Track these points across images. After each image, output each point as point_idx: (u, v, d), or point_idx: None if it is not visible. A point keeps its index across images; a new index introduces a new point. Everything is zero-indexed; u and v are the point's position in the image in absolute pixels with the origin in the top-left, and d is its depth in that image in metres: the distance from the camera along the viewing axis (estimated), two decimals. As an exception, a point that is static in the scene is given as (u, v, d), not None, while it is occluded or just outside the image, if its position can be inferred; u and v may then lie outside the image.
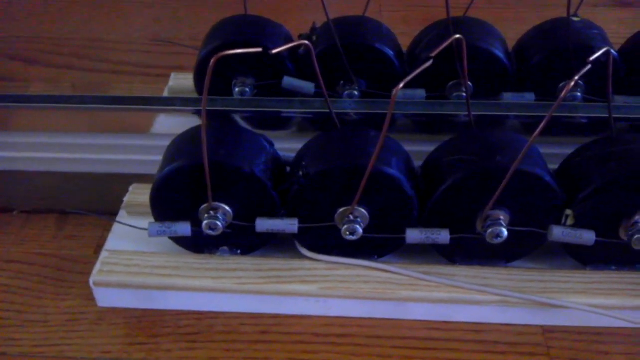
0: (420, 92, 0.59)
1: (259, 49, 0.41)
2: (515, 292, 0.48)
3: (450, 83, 0.59)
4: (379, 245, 0.49)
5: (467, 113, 0.50)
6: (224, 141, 0.47)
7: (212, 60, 0.39)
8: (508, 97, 0.58)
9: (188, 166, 0.46)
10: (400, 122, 0.61)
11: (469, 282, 0.48)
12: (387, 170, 0.45)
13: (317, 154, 0.47)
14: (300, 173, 0.46)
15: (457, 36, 0.43)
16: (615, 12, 0.89)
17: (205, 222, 0.47)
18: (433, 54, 0.41)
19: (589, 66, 0.41)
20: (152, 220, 0.49)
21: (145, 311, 0.50)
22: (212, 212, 0.47)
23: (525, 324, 0.49)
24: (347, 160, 0.45)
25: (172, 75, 0.70)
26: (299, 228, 0.47)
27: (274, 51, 0.41)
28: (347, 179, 0.45)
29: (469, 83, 0.59)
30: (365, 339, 0.49)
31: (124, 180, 0.57)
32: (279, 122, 0.61)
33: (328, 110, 0.49)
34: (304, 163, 0.47)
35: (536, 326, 0.49)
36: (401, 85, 0.39)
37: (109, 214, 0.55)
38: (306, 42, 0.44)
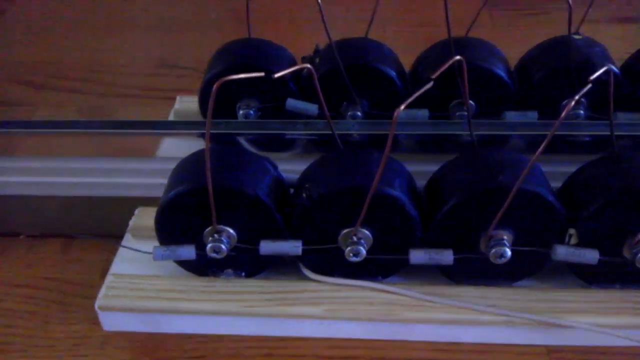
0: (423, 112, 0.59)
1: (262, 74, 0.41)
2: (520, 312, 0.47)
3: (453, 102, 0.59)
4: (383, 266, 0.49)
5: (468, 133, 0.51)
6: (228, 164, 0.47)
7: (215, 85, 0.39)
8: (511, 115, 0.58)
9: (192, 190, 0.46)
10: (403, 142, 0.61)
11: (474, 303, 0.48)
12: (390, 192, 0.45)
13: (320, 175, 0.47)
14: (304, 195, 0.46)
15: (457, 57, 0.43)
16: (617, 27, 0.89)
17: (209, 245, 0.47)
18: (433, 76, 0.41)
19: (590, 85, 0.41)
20: (157, 243, 0.49)
21: (150, 334, 0.50)
22: (216, 235, 0.47)
23: (530, 344, 0.49)
24: (350, 182, 0.45)
25: (178, 98, 0.71)
26: (303, 250, 0.48)
27: (276, 75, 0.41)
28: (350, 201, 0.45)
29: (472, 102, 0.59)
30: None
31: (130, 204, 0.57)
32: (282, 144, 0.61)
33: (329, 132, 0.49)
34: (306, 185, 0.47)
35: (541, 346, 0.49)
36: (402, 107, 0.39)
37: (115, 237, 0.55)
38: (308, 65, 0.45)
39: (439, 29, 0.63)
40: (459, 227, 0.47)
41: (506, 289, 0.49)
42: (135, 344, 0.50)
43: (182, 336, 0.50)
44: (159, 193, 0.51)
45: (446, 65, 0.42)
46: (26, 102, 0.80)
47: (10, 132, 0.59)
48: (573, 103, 0.40)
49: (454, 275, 0.50)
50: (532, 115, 0.59)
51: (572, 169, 0.50)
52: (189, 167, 0.48)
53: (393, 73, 0.59)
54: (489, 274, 0.49)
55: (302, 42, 0.67)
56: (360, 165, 0.47)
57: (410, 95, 0.58)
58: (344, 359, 0.49)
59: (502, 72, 0.58)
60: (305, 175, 0.49)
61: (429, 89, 0.40)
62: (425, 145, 0.61)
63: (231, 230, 0.48)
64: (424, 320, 0.48)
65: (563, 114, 0.40)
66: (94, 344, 0.50)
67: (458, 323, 0.48)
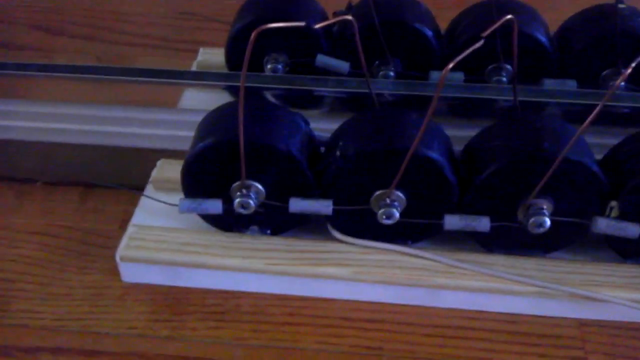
0: (459, 75, 0.57)
1: (302, 23, 0.40)
2: (553, 284, 0.46)
3: (490, 66, 0.58)
4: (414, 230, 0.48)
5: (509, 98, 0.49)
6: (260, 118, 0.45)
7: (254, 33, 0.37)
8: (549, 83, 0.57)
9: (223, 142, 0.44)
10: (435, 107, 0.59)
11: (506, 272, 0.47)
12: (429, 154, 0.43)
13: (356, 134, 0.45)
14: (338, 153, 0.45)
15: (509, 16, 0.41)
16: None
17: (237, 200, 0.46)
18: (484, 34, 0.39)
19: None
20: (179, 196, 0.48)
21: (171, 288, 0.49)
22: (244, 190, 0.46)
23: (561, 317, 0.48)
24: (388, 142, 0.44)
25: (201, 50, 0.69)
26: (334, 210, 0.46)
27: (317, 26, 0.40)
28: (387, 161, 0.44)
29: (508, 67, 0.57)
30: (395, 325, 0.47)
31: (150, 155, 0.56)
32: (310, 101, 0.59)
33: (364, 90, 0.47)
34: (341, 143, 0.45)
35: (572, 319, 0.48)
36: (451, 65, 0.37)
37: (134, 188, 0.54)
38: (349, 17, 0.43)
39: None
40: (497, 194, 0.45)
41: (539, 260, 0.48)
42: (155, 296, 0.49)
43: (204, 291, 0.49)
44: (181, 145, 0.50)
45: (498, 24, 0.40)
46: (44, 47, 0.78)
47: (28, 75, 0.57)
48: (629, 70, 0.38)
49: (487, 243, 0.48)
50: (572, 84, 0.57)
51: (609, 140, 0.49)
52: (219, 119, 0.46)
53: (430, 33, 0.57)
54: (523, 244, 0.48)
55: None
56: (398, 125, 0.45)
57: (445, 56, 0.57)
58: (368, 321, 0.47)
59: (543, 38, 0.56)
60: (340, 133, 0.47)
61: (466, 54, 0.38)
62: (458, 109, 0.59)
63: (260, 186, 0.46)
64: (453, 287, 0.47)
65: (619, 81, 0.39)
66: (113, 294, 0.49)
67: (488, 291, 0.47)
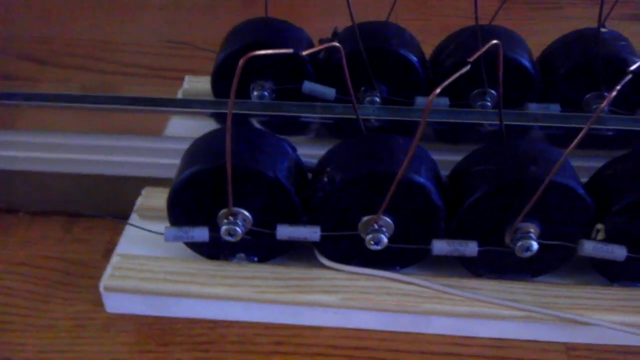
0: (444, 100, 0.57)
1: (290, 50, 0.40)
2: (540, 308, 0.46)
3: (475, 91, 0.58)
4: (403, 256, 0.48)
5: (493, 122, 0.49)
6: (247, 145, 0.45)
7: (242, 61, 0.37)
8: (534, 107, 0.57)
9: (209, 170, 0.44)
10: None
11: (494, 296, 0.47)
12: (417, 179, 0.43)
13: (344, 159, 0.45)
14: (325, 179, 0.44)
15: (495, 42, 0.41)
16: (635, 25, 0.88)
17: (224, 227, 0.45)
18: (471, 59, 0.39)
19: (630, 75, 0.39)
20: (163, 224, 0.47)
21: (156, 318, 0.49)
22: (231, 218, 0.45)
23: (549, 341, 0.47)
24: (376, 167, 0.44)
25: (187, 78, 0.69)
26: (321, 236, 0.46)
27: (305, 53, 0.40)
28: (374, 186, 0.44)
29: (493, 92, 0.57)
30: (384, 352, 0.47)
31: (135, 184, 0.55)
32: (296, 128, 0.59)
33: (351, 116, 0.48)
34: (328, 169, 0.45)
35: (560, 343, 0.47)
36: (438, 90, 0.37)
37: (119, 217, 0.53)
38: (336, 43, 0.43)
39: (451, 19, 0.62)
40: (484, 218, 0.45)
41: (526, 284, 0.48)
42: (141, 327, 0.48)
43: (190, 321, 0.48)
44: (166, 173, 0.50)
45: (484, 49, 0.40)
46: (29, 77, 0.78)
47: (13, 104, 0.57)
48: (614, 93, 0.38)
49: (475, 267, 0.48)
50: (555, 108, 0.57)
51: (593, 163, 0.49)
52: (205, 146, 0.46)
53: (415, 59, 0.57)
54: (511, 268, 0.48)
55: (317, 26, 0.65)
56: (385, 150, 0.45)
57: (430, 82, 0.57)
58: (357, 349, 0.47)
59: (527, 63, 0.56)
60: (327, 159, 0.47)
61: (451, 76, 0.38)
62: (443, 134, 0.59)
63: (247, 213, 0.46)
64: (442, 313, 0.47)
65: (604, 104, 0.39)
66: (97, 325, 0.48)
67: (476, 317, 0.47)
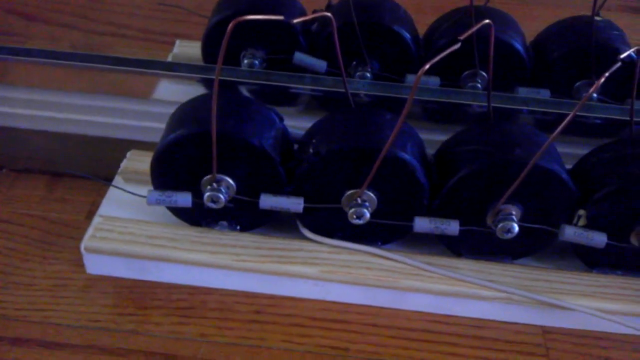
0: (435, 80, 0.57)
1: (280, 17, 0.39)
2: (519, 290, 0.46)
3: (466, 72, 0.58)
4: (384, 231, 0.48)
5: (483, 104, 0.49)
6: (233, 112, 0.45)
7: (231, 24, 0.37)
8: (524, 91, 0.57)
9: (194, 134, 0.44)
10: (410, 108, 0.59)
11: (474, 276, 0.47)
12: (402, 155, 0.43)
13: (330, 132, 0.45)
14: (311, 150, 0.44)
15: (487, 21, 0.41)
16: (629, 17, 0.88)
17: (207, 194, 0.45)
18: (462, 37, 0.39)
19: (619, 64, 0.39)
20: (148, 188, 0.47)
21: (136, 281, 0.49)
22: (215, 185, 0.45)
23: (526, 323, 0.48)
24: (362, 141, 0.43)
25: (177, 42, 0.68)
26: (304, 208, 0.46)
27: (295, 21, 0.39)
28: (360, 161, 0.44)
29: (484, 74, 0.57)
30: (362, 326, 0.47)
31: (120, 146, 0.55)
32: (285, 99, 0.59)
33: (340, 90, 0.47)
34: (314, 140, 0.45)
35: (537, 326, 0.48)
36: (427, 66, 0.37)
37: (103, 179, 0.53)
38: (327, 13, 0.43)
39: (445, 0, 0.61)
40: (467, 198, 0.45)
41: (507, 266, 0.48)
42: (120, 290, 0.48)
43: (170, 286, 0.48)
44: (153, 137, 0.49)
45: (475, 28, 0.40)
46: (17, 32, 0.76)
47: (0, 59, 0.56)
48: (602, 80, 0.38)
49: (456, 247, 0.49)
50: (545, 94, 0.57)
51: (579, 150, 0.49)
52: (191, 111, 0.46)
53: (408, 36, 0.57)
54: (491, 249, 0.48)
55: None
56: (372, 125, 0.45)
57: (423, 60, 0.57)
58: (335, 321, 0.47)
59: (520, 46, 0.56)
60: (313, 131, 0.47)
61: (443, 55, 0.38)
62: (432, 113, 0.59)
63: (231, 181, 0.46)
64: (421, 290, 0.47)
65: (591, 90, 0.39)
66: (76, 286, 0.48)
67: (455, 296, 0.47)
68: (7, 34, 0.76)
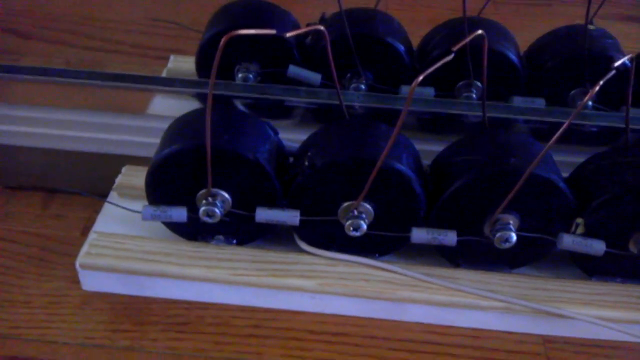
0: (429, 91, 0.57)
1: (273, 31, 0.39)
2: (518, 299, 0.46)
3: (461, 83, 0.58)
4: (382, 243, 0.48)
5: (478, 114, 0.49)
6: (228, 126, 0.45)
7: (224, 39, 0.37)
8: (519, 101, 0.57)
9: (188, 148, 0.44)
10: (405, 119, 0.59)
11: (472, 287, 0.47)
12: (398, 167, 0.43)
13: (325, 144, 0.45)
14: (306, 163, 0.44)
15: (480, 32, 0.41)
16: (623, 25, 0.88)
17: (202, 208, 0.45)
18: (455, 48, 0.39)
19: (613, 72, 0.39)
20: (144, 204, 0.47)
21: (132, 298, 0.48)
22: (210, 199, 0.45)
23: (526, 333, 0.48)
24: (357, 153, 0.43)
25: (172, 57, 0.68)
26: (301, 220, 0.45)
27: (289, 34, 0.39)
28: (355, 172, 0.43)
29: (479, 84, 0.57)
30: (361, 338, 0.47)
31: (116, 161, 0.55)
32: (280, 112, 0.59)
33: (335, 102, 0.47)
34: (309, 153, 0.45)
35: (537, 335, 0.48)
36: (420, 77, 0.37)
37: (98, 195, 0.53)
38: (321, 27, 0.43)
39: (440, 11, 0.61)
40: (464, 208, 0.45)
41: (505, 276, 0.48)
42: (116, 306, 0.48)
43: (166, 301, 0.48)
44: (147, 152, 0.49)
45: (469, 39, 0.40)
46: (11, 50, 0.77)
47: (-6, 76, 0.56)
48: (597, 88, 0.38)
49: (454, 257, 0.48)
50: (540, 103, 0.57)
51: (575, 159, 0.49)
52: (186, 125, 0.46)
53: (402, 47, 0.57)
54: (490, 259, 0.48)
55: (304, 11, 0.65)
56: (367, 137, 0.45)
57: (417, 71, 0.57)
58: (334, 334, 0.47)
59: (513, 56, 0.56)
60: (308, 143, 0.47)
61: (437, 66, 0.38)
62: (427, 124, 0.59)
63: (226, 195, 0.45)
64: (420, 301, 0.47)
65: (586, 98, 0.39)
66: (72, 303, 0.48)
67: (454, 306, 0.47)
68: (2, 52, 0.76)
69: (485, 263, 0.48)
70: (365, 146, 0.44)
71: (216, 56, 0.37)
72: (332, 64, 0.44)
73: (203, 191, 0.45)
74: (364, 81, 0.58)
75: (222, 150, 0.43)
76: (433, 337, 0.47)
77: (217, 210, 0.45)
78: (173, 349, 0.45)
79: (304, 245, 0.48)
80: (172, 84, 0.56)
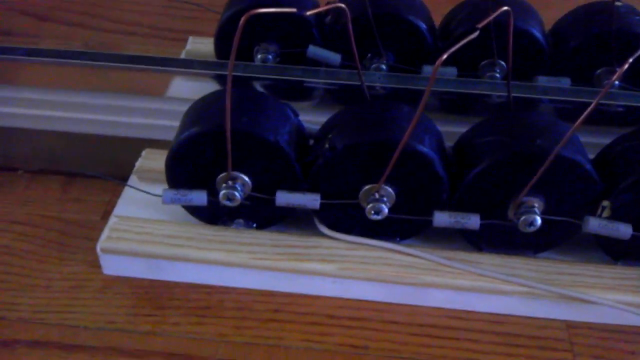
0: (452, 70, 0.56)
1: (293, 9, 0.38)
2: (541, 284, 0.45)
3: (484, 62, 0.57)
4: (403, 227, 0.47)
5: (502, 93, 0.48)
6: (248, 108, 0.44)
7: (243, 18, 0.36)
8: (543, 80, 0.56)
9: (208, 131, 0.43)
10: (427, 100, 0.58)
11: (495, 271, 0.46)
12: (420, 148, 0.42)
13: (346, 126, 0.44)
14: (327, 146, 0.43)
15: (505, 8, 0.40)
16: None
17: (222, 192, 0.44)
18: (480, 25, 0.38)
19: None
20: (163, 187, 0.46)
21: (152, 282, 0.48)
22: (230, 182, 0.44)
23: (549, 318, 0.47)
24: (379, 135, 0.43)
25: (190, 39, 0.67)
26: (321, 204, 0.45)
27: (309, 13, 0.39)
28: (377, 155, 0.43)
29: (502, 63, 0.56)
30: (381, 323, 0.46)
31: (135, 145, 0.54)
32: (299, 93, 0.58)
33: (356, 83, 0.46)
34: (330, 135, 0.44)
35: (560, 321, 0.47)
36: (444, 56, 0.36)
37: (118, 178, 0.52)
38: (341, 4, 0.42)
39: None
40: (488, 191, 0.44)
41: (528, 260, 0.47)
42: (137, 290, 0.48)
43: (187, 286, 0.48)
44: (167, 135, 0.49)
45: (494, 15, 0.39)
46: (29, 33, 0.76)
47: (13, 59, 0.56)
48: (626, 67, 0.37)
49: (476, 241, 0.48)
50: (565, 82, 0.56)
51: (602, 140, 0.48)
52: (205, 108, 0.45)
53: (424, 26, 0.56)
54: (513, 243, 0.47)
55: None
56: (389, 118, 0.44)
57: (439, 51, 0.56)
58: (354, 319, 0.46)
59: (538, 34, 0.55)
60: (329, 125, 0.46)
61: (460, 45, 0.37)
62: (449, 104, 0.58)
63: (246, 178, 0.45)
64: (441, 286, 0.46)
65: (614, 78, 0.38)
66: (93, 287, 0.48)
67: (477, 291, 0.46)
68: (20, 34, 0.76)
69: (508, 247, 0.47)
70: (386, 128, 0.43)
71: (235, 36, 0.36)
72: (353, 42, 0.43)
73: (223, 174, 0.45)
74: (385, 61, 0.57)
75: (242, 132, 0.43)
76: (454, 322, 0.47)
77: (237, 194, 0.44)
78: (194, 333, 0.45)
79: (324, 229, 0.47)
80: (191, 65, 0.55)
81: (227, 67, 0.38)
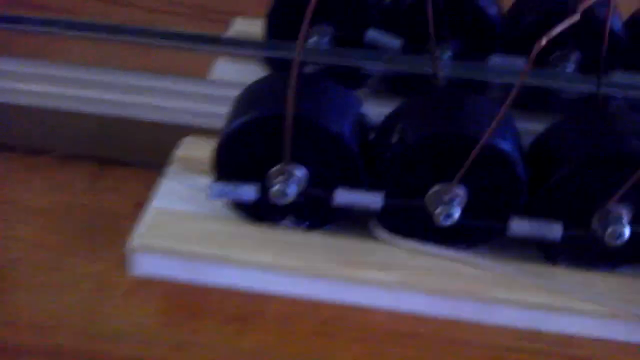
0: (521, 62, 0.51)
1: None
2: (624, 304, 0.40)
3: (556, 53, 0.52)
4: (472, 233, 0.42)
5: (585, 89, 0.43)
6: (308, 94, 0.40)
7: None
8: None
9: (267, 116, 0.39)
10: (491, 93, 0.53)
11: (572, 288, 0.41)
12: (503, 146, 0.38)
13: (418, 117, 0.40)
14: (396, 138, 0.39)
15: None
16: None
17: (275, 187, 0.40)
18: (581, 10, 0.33)
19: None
20: (201, 179, 0.43)
21: (187, 285, 0.43)
22: (284, 176, 0.40)
23: (629, 342, 0.42)
24: (457, 128, 0.38)
25: (237, 19, 0.63)
26: (383, 205, 0.40)
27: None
28: (451, 151, 0.38)
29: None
30: (440, 342, 0.41)
31: (174, 132, 0.50)
32: (353, 80, 0.54)
33: (426, 71, 0.42)
34: (400, 126, 0.39)
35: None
36: (544, 41, 0.31)
37: (155, 167, 0.48)
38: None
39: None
40: (570, 197, 0.40)
41: (609, 276, 0.42)
42: (169, 294, 0.43)
43: (225, 291, 0.43)
44: (210, 122, 0.46)
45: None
46: (66, 9, 0.73)
47: (49, 33, 0.52)
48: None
49: (552, 252, 0.43)
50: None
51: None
52: (262, 92, 0.41)
53: (493, 12, 0.51)
54: (592, 256, 0.42)
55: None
56: (464, 110, 0.39)
57: (507, 41, 0.52)
58: (410, 336, 0.42)
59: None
60: (397, 116, 0.41)
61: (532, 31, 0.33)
62: (518, 99, 0.53)
63: (302, 172, 0.41)
64: (512, 302, 0.41)
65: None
66: (121, 289, 0.43)
67: (552, 309, 0.41)
68: (57, 10, 0.72)
69: (587, 260, 0.43)
70: (464, 120, 0.39)
71: (306, 14, 0.32)
72: (432, 23, 0.39)
73: (277, 167, 0.40)
74: (450, 48, 0.52)
75: (304, 120, 0.39)
76: (522, 343, 0.42)
77: (291, 190, 0.40)
78: (231, 345, 0.40)
79: (382, 234, 0.43)
80: (244, 45, 0.51)
81: (283, 49, 0.34)
